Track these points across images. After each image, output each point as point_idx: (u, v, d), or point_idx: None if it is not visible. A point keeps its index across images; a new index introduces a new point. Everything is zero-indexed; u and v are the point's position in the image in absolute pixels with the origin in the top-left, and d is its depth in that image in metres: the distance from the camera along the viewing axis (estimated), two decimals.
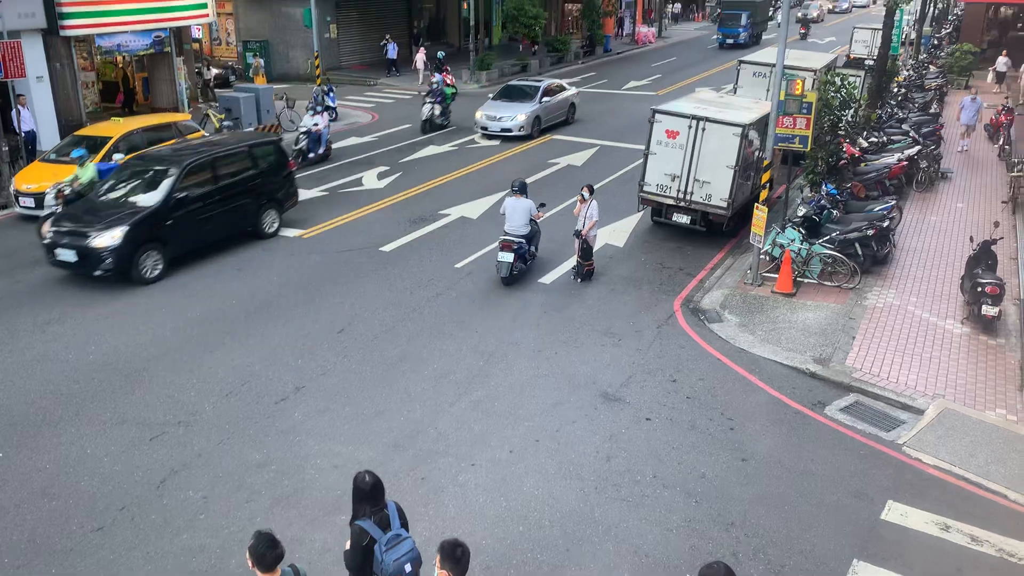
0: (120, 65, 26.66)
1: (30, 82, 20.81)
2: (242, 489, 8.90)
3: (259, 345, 12.12)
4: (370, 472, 6.08)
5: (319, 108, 22.84)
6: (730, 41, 51.12)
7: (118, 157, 17.60)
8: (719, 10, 59.15)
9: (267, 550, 5.14)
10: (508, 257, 14.11)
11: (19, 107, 20.12)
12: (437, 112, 26.43)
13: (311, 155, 22.37)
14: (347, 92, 33.16)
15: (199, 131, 20.84)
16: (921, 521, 8.52)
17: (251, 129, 24.46)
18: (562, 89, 28.10)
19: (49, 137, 21.31)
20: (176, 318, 12.97)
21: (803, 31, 57.65)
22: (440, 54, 35.93)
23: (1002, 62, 33.48)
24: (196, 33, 30.05)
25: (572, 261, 14.96)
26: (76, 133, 19.27)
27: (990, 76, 33.89)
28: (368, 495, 5.98)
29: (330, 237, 16.78)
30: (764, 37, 55.78)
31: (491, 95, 28.01)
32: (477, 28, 37.75)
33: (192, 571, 7.71)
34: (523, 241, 14.30)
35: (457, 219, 17.86)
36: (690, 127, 15.91)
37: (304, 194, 19.36)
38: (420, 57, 35.79)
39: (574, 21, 52.12)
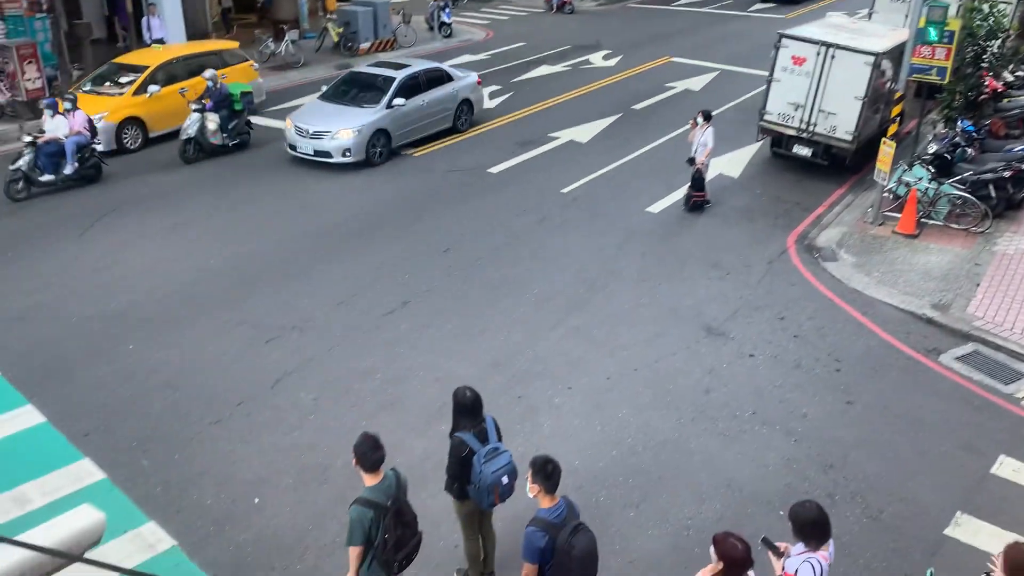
0: None
1: None
2: (349, 394, 9.30)
3: (369, 259, 12.47)
4: (470, 388, 6.27)
5: (68, 104, 14.46)
6: None
7: (153, 89, 16.34)
8: None
9: (370, 451, 5.43)
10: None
11: (149, 16, 20.83)
12: (211, 127, 16.07)
13: (46, 178, 14.09)
14: (462, 8, 32.87)
15: (247, 61, 19.09)
16: None
17: (367, 44, 24.37)
18: (443, 80, 17.86)
19: None
20: (292, 229, 13.46)
21: None
22: None
23: None
24: None
25: (683, 190, 14.63)
26: (114, 60, 17.83)
27: None
28: (468, 409, 6.20)
29: (439, 156, 16.90)
30: None
31: (324, 86, 18.14)
32: None
33: (302, 467, 8.18)
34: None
35: (566, 143, 17.65)
36: (818, 54, 15.08)
37: None
38: None
39: None
